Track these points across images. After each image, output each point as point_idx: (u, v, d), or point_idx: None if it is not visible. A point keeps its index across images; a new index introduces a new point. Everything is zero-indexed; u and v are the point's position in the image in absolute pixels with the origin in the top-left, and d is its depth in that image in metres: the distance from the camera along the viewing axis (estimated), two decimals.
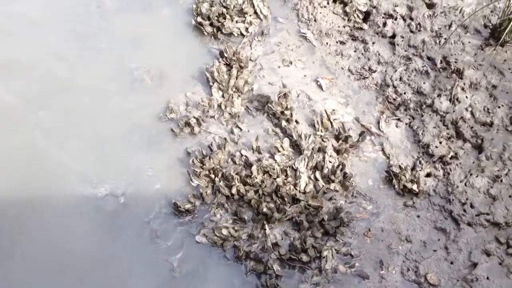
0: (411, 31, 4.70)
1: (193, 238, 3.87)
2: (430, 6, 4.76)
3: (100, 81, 4.68)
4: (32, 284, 3.69)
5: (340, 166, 4.05)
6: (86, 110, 4.51)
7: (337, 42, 4.90)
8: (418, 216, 3.93)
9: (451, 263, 3.67)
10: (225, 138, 4.29)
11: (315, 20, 5.00)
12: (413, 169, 4.10)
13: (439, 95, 4.30)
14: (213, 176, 4.07)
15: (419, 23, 4.69)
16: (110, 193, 4.06)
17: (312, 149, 4.17)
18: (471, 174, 3.93)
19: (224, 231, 3.82)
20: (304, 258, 3.70)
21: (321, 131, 4.33)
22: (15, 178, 4.13)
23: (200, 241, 3.85)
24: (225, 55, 4.71)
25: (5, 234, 3.87)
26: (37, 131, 4.36)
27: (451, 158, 4.06)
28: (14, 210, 3.98)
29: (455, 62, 4.37)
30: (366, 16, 4.93)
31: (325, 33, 4.94)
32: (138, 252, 3.82)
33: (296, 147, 4.25)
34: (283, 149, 4.20)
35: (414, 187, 3.98)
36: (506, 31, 4.26)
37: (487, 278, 3.53)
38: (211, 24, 4.96)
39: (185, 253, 3.82)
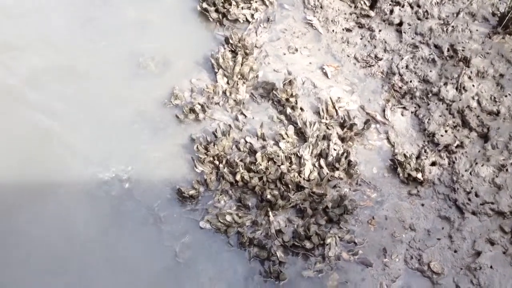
0: (418, 19, 4.65)
1: (197, 224, 3.88)
2: None
3: (104, 67, 4.68)
4: (34, 270, 3.72)
5: (345, 154, 4.04)
6: (91, 96, 4.51)
7: (343, 30, 4.87)
8: (423, 205, 3.93)
9: (455, 251, 3.67)
10: (229, 125, 4.28)
11: (321, 7, 4.96)
12: (418, 157, 4.09)
13: (445, 84, 4.27)
14: (217, 162, 4.07)
15: (426, 11, 4.65)
16: (114, 178, 4.07)
17: (317, 136, 4.16)
18: (476, 163, 3.91)
19: (228, 218, 3.82)
20: (308, 245, 3.71)
21: (326, 119, 4.31)
22: (19, 164, 4.14)
23: (204, 227, 3.86)
24: (231, 41, 4.69)
25: (8, 218, 3.90)
26: (42, 116, 4.37)
27: (456, 147, 4.04)
28: (16, 194, 4.00)
29: (462, 50, 4.33)
30: (373, 3, 4.88)
31: (331, 20, 4.90)
32: (142, 237, 3.84)
33: (301, 135, 4.24)
34: (288, 136, 4.19)
35: (419, 175, 3.97)
36: None
37: (491, 267, 3.53)
38: (217, 10, 4.93)
39: (189, 239, 3.84)
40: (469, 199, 3.79)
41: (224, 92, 4.49)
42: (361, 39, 4.78)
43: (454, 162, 3.99)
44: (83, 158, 4.16)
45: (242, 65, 4.54)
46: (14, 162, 4.15)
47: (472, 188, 3.83)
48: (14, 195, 4.01)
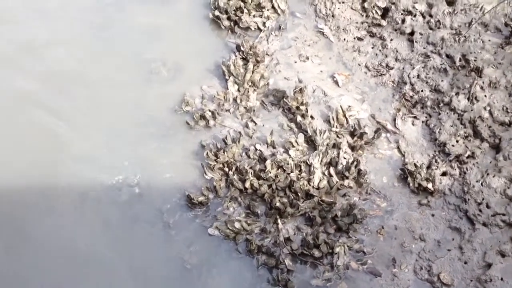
0: (430, 28, 4.64)
1: (205, 230, 3.88)
2: (450, 3, 4.70)
3: (116, 72, 4.72)
4: (39, 272, 3.73)
5: (355, 163, 4.03)
6: (102, 101, 4.55)
7: (354, 38, 4.87)
8: (433, 215, 3.90)
9: (465, 263, 3.63)
10: (239, 132, 4.29)
11: (332, 16, 4.96)
12: (428, 167, 4.06)
13: (457, 94, 4.25)
14: (227, 169, 4.08)
15: (438, 20, 4.63)
16: (124, 183, 4.09)
17: (327, 145, 4.15)
18: (487, 174, 3.87)
19: (237, 225, 3.82)
20: (316, 253, 3.69)
21: (336, 127, 4.30)
22: (28, 166, 4.18)
23: (213, 234, 3.86)
24: (242, 49, 4.71)
25: (16, 221, 3.92)
26: (52, 119, 4.41)
27: (467, 157, 4.01)
28: (26, 197, 4.03)
29: (475, 60, 4.31)
30: (385, 12, 4.87)
31: (343, 29, 4.90)
32: (150, 243, 3.85)
33: (311, 143, 4.23)
34: (298, 144, 4.19)
35: (429, 185, 3.94)
36: None
37: (501, 279, 3.48)
38: (229, 18, 4.96)
39: (198, 245, 3.84)
40: (480, 210, 3.76)
41: (234, 99, 4.50)
42: (372, 48, 4.78)
43: (465, 173, 3.96)
44: (93, 162, 4.19)
45: (253, 72, 4.55)
46: (23, 164, 4.19)
47: (483, 199, 3.79)
48: (22, 197, 4.04)
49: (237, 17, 4.93)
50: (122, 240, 3.87)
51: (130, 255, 3.81)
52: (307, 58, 4.81)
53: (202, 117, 4.36)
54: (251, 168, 4.03)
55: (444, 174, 4.02)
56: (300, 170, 4.05)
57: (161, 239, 3.88)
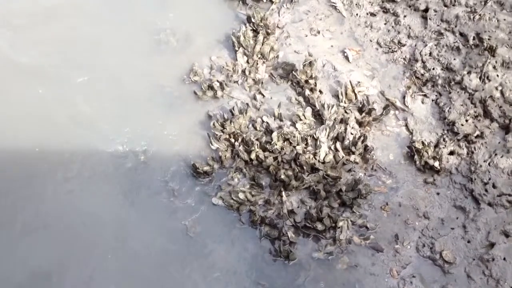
0: (445, 5, 4.55)
1: (209, 200, 3.89)
2: None
3: (126, 40, 4.70)
4: (46, 235, 3.77)
5: (362, 138, 4.00)
6: (111, 68, 4.53)
7: (367, 14, 4.79)
8: (438, 194, 3.87)
9: (468, 241, 3.62)
10: (247, 104, 4.26)
11: None
12: (436, 146, 4.03)
13: (469, 72, 4.18)
14: (233, 140, 4.06)
15: None
16: (130, 151, 4.10)
17: (334, 119, 4.12)
18: (496, 154, 3.83)
19: (241, 195, 3.82)
20: (319, 227, 3.69)
21: (345, 103, 4.27)
22: (37, 133, 4.19)
23: (217, 204, 3.87)
24: (253, 20, 4.65)
25: (22, 186, 3.94)
26: (60, 86, 4.41)
27: (476, 137, 3.97)
28: (33, 164, 4.04)
29: (489, 39, 4.23)
30: None
31: (356, 4, 4.82)
32: (154, 210, 3.86)
33: (318, 117, 4.20)
34: (305, 117, 4.16)
35: (436, 164, 3.91)
36: None
37: (504, 259, 3.47)
38: None
39: (201, 214, 3.85)
40: (486, 190, 3.73)
41: (243, 71, 4.46)
42: (385, 24, 4.70)
43: (473, 152, 3.92)
44: (99, 129, 4.19)
45: (262, 44, 4.51)
46: (31, 132, 4.19)
47: (490, 179, 3.76)
48: (30, 164, 4.05)
49: None
50: (126, 207, 3.89)
51: (133, 222, 3.83)
52: (318, 32, 4.74)
53: (210, 87, 4.34)
54: (257, 139, 4.02)
55: (451, 153, 3.98)
56: (307, 144, 4.03)
57: (164, 207, 3.89)
